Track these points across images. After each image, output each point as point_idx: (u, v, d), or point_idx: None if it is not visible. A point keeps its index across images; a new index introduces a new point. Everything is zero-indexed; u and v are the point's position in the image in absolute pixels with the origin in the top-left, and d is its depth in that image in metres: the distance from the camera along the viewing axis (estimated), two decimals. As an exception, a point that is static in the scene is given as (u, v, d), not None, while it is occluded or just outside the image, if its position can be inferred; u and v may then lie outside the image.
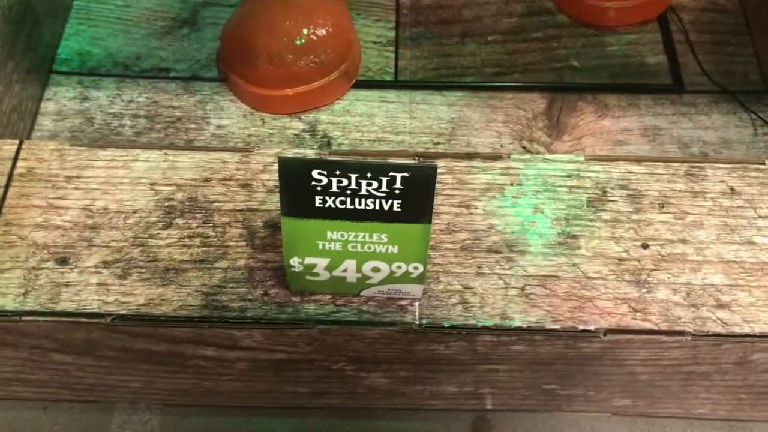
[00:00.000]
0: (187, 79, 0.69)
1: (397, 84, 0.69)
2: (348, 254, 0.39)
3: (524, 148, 0.65)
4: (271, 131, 0.66)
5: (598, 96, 0.68)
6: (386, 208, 0.37)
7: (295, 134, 0.65)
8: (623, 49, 0.71)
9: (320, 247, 0.39)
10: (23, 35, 0.64)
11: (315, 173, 0.36)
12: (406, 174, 0.36)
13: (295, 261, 0.40)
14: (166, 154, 0.48)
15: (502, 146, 0.65)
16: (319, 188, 0.37)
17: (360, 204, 0.37)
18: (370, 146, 0.65)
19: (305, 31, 0.63)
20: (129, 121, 0.66)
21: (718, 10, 0.73)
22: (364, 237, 0.39)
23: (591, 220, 0.46)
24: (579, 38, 0.72)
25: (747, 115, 0.67)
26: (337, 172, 0.36)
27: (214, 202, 0.46)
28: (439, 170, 0.38)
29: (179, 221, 0.45)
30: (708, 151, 0.65)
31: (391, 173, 0.36)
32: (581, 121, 0.66)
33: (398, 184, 0.36)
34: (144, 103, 0.67)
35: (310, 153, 0.54)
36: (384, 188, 0.36)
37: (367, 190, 0.36)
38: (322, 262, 0.40)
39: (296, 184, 0.37)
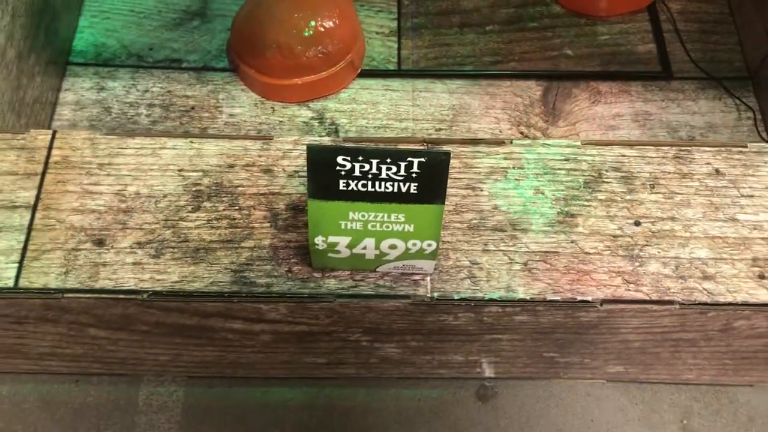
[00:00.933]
0: (199, 69, 0.72)
1: (400, 73, 0.72)
2: (368, 233, 0.43)
3: (522, 133, 0.68)
4: (281, 119, 0.69)
5: (592, 83, 0.72)
6: (404, 190, 0.41)
7: (304, 122, 0.69)
8: (615, 38, 0.75)
9: (342, 226, 0.43)
10: (43, 28, 0.66)
11: (340, 159, 0.40)
12: (422, 159, 0.39)
13: (319, 240, 0.43)
14: (191, 142, 0.51)
15: (500, 132, 0.69)
16: (343, 173, 0.40)
17: (380, 187, 0.41)
18: (375, 133, 0.68)
19: (313, 23, 0.67)
20: (145, 111, 0.69)
21: (704, 1, 0.77)
22: (383, 217, 0.42)
23: (588, 200, 0.50)
24: (572, 28, 0.75)
25: (732, 101, 0.71)
26: (360, 158, 0.39)
27: (238, 186, 0.49)
28: (447, 155, 0.42)
29: (207, 204, 0.49)
30: (695, 135, 0.69)
31: (409, 159, 0.39)
32: (576, 108, 0.70)
33: (415, 169, 0.40)
34: (158, 93, 0.70)
35: (326, 140, 0.58)
36: (402, 172, 0.40)
37: (387, 174, 0.40)
38: (343, 241, 0.44)
39: (322, 169, 0.40)
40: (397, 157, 0.39)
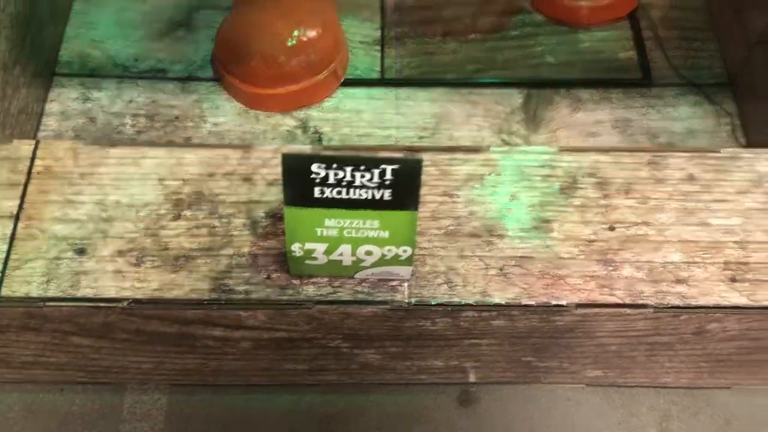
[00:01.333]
0: (183, 79, 0.72)
1: (383, 81, 0.73)
2: (344, 239, 0.44)
3: (503, 141, 0.69)
4: (265, 128, 0.69)
5: (572, 91, 0.73)
6: (378, 197, 0.41)
7: (288, 131, 0.69)
8: (595, 46, 0.76)
9: (319, 233, 0.43)
10: (29, 39, 0.67)
11: (314, 167, 0.40)
12: (395, 166, 0.40)
13: (296, 246, 0.44)
14: (172, 151, 0.52)
15: (482, 139, 0.69)
16: (317, 180, 0.41)
17: (354, 194, 0.41)
18: (358, 141, 0.69)
19: (296, 33, 0.67)
20: (130, 120, 0.70)
21: (684, 8, 0.78)
22: (358, 223, 0.43)
23: (563, 206, 0.50)
24: (554, 36, 0.76)
25: (711, 107, 0.72)
26: (334, 165, 0.40)
27: (218, 195, 0.50)
28: (424, 162, 0.42)
29: (187, 213, 0.49)
30: (675, 141, 0.70)
31: (383, 166, 0.40)
32: (557, 115, 0.71)
33: (388, 176, 0.40)
34: (143, 103, 0.71)
35: (306, 149, 0.58)
36: (376, 179, 0.41)
37: (361, 181, 0.41)
38: (320, 247, 0.44)
39: (297, 177, 0.41)
40: (370, 164, 0.40)
